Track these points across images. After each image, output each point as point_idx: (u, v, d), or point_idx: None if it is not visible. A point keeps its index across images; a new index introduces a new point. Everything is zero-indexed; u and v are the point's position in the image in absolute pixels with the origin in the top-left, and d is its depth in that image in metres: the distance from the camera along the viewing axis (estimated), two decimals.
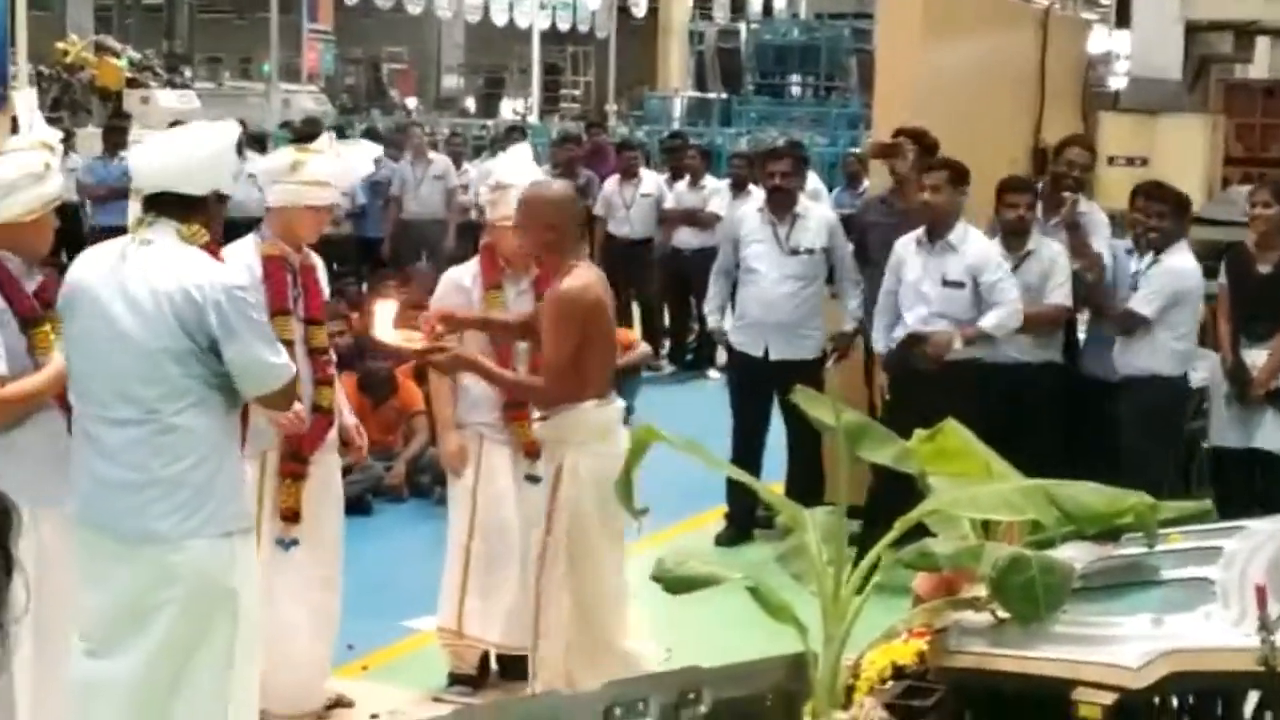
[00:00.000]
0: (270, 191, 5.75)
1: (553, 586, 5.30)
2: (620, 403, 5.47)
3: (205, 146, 4.53)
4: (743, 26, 33.08)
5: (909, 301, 7.67)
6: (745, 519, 8.40)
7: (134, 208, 4.58)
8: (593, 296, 5.30)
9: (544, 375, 5.31)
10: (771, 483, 8.59)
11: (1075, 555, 4.21)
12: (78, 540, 4.46)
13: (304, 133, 13.57)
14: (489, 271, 6.13)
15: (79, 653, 4.47)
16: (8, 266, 4.77)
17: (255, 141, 16.68)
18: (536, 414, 5.56)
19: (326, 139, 5.94)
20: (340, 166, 5.73)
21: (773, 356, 8.32)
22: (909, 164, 8.16)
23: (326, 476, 5.80)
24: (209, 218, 4.48)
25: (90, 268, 4.46)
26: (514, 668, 6.11)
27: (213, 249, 4.50)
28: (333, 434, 5.80)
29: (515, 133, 17.53)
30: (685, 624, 6.59)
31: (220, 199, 4.54)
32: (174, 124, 15.06)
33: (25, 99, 5.87)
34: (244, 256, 5.51)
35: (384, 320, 5.42)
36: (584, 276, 5.32)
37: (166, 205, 4.41)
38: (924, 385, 7.37)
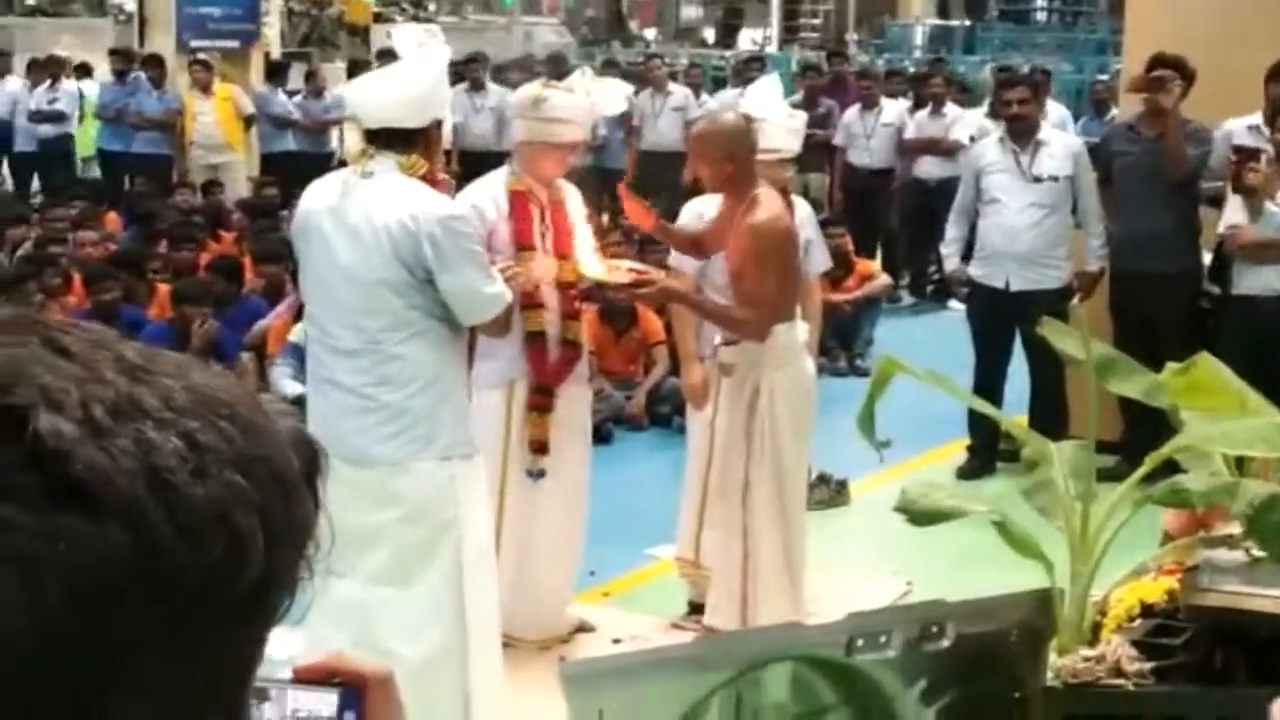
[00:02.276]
0: (515, 126, 5.81)
1: (759, 508, 5.37)
2: (803, 324, 5.49)
3: (420, 79, 4.58)
4: None
5: None
6: (988, 452, 8.29)
7: (351, 139, 4.71)
8: (784, 225, 5.38)
9: (751, 307, 5.31)
10: (1013, 415, 8.50)
11: None
12: None
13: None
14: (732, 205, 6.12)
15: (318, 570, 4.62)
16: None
17: (498, 73, 16.87)
18: (718, 339, 5.58)
19: (578, 76, 5.96)
20: (584, 104, 5.73)
21: (1014, 287, 8.15)
22: (1173, 98, 7.83)
23: (573, 409, 5.86)
24: (429, 148, 4.55)
25: (315, 199, 4.59)
26: None
27: (432, 177, 4.59)
28: (581, 366, 5.86)
29: (755, 63, 17.41)
30: (927, 557, 6.56)
31: (438, 126, 4.61)
32: (382, 53, 15.41)
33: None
34: (491, 190, 5.60)
35: (588, 253, 5.47)
36: (772, 207, 5.37)
37: (387, 138, 4.49)
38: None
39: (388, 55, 15.98)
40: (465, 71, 14.74)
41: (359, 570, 4.48)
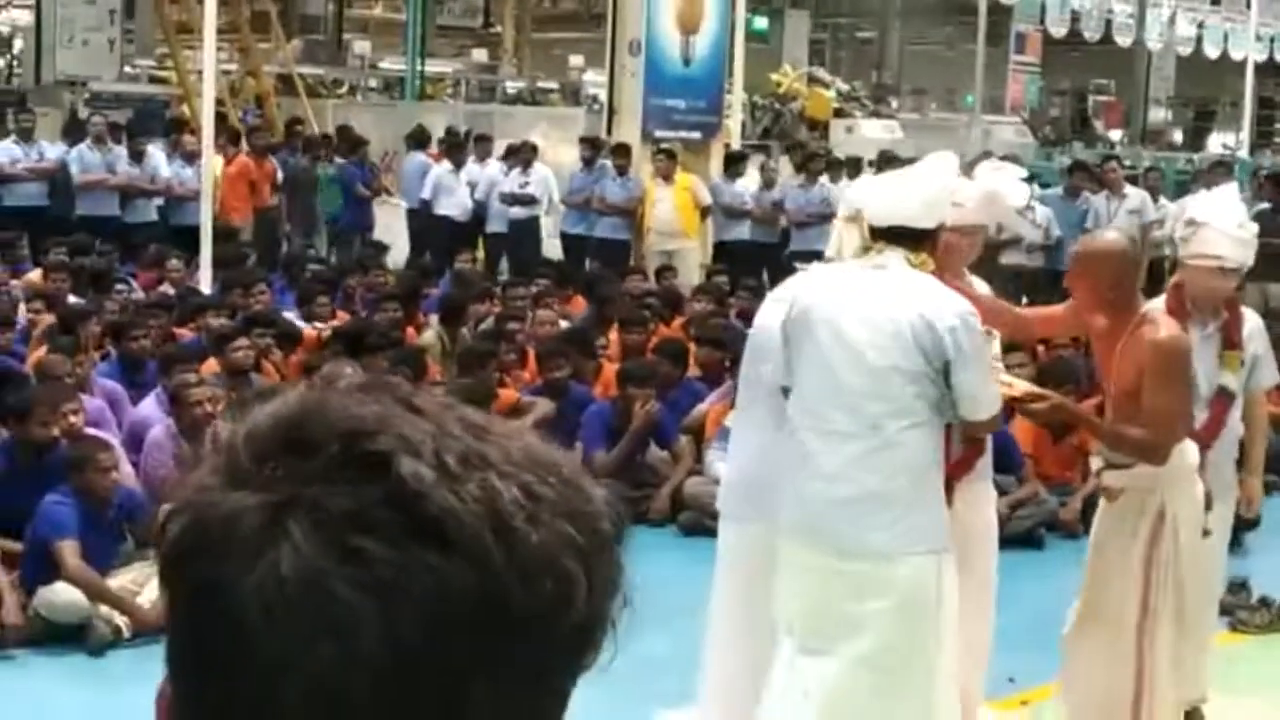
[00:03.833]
0: None
1: (1161, 642, 5.17)
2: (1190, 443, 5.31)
3: (935, 182, 4.82)
4: None
5: None
6: None
7: (846, 234, 4.94)
8: (1187, 344, 5.26)
9: (1153, 427, 5.11)
10: None
11: None
12: (785, 548, 4.70)
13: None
14: (1175, 312, 5.94)
15: (790, 646, 4.70)
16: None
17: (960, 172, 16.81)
18: (1098, 461, 5.37)
19: (984, 165, 5.91)
20: (977, 188, 5.61)
21: None
22: None
23: (976, 504, 5.76)
24: (935, 248, 4.74)
25: (822, 289, 4.76)
26: None
27: (937, 275, 4.72)
28: (983, 463, 5.73)
29: (1220, 168, 16.89)
30: None
31: (943, 230, 4.80)
32: (883, 156, 15.51)
33: None
34: None
35: None
36: (1173, 325, 5.26)
37: (897, 236, 4.68)
38: None
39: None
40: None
41: (844, 653, 4.59)
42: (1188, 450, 5.24)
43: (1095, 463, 5.46)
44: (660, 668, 6.63)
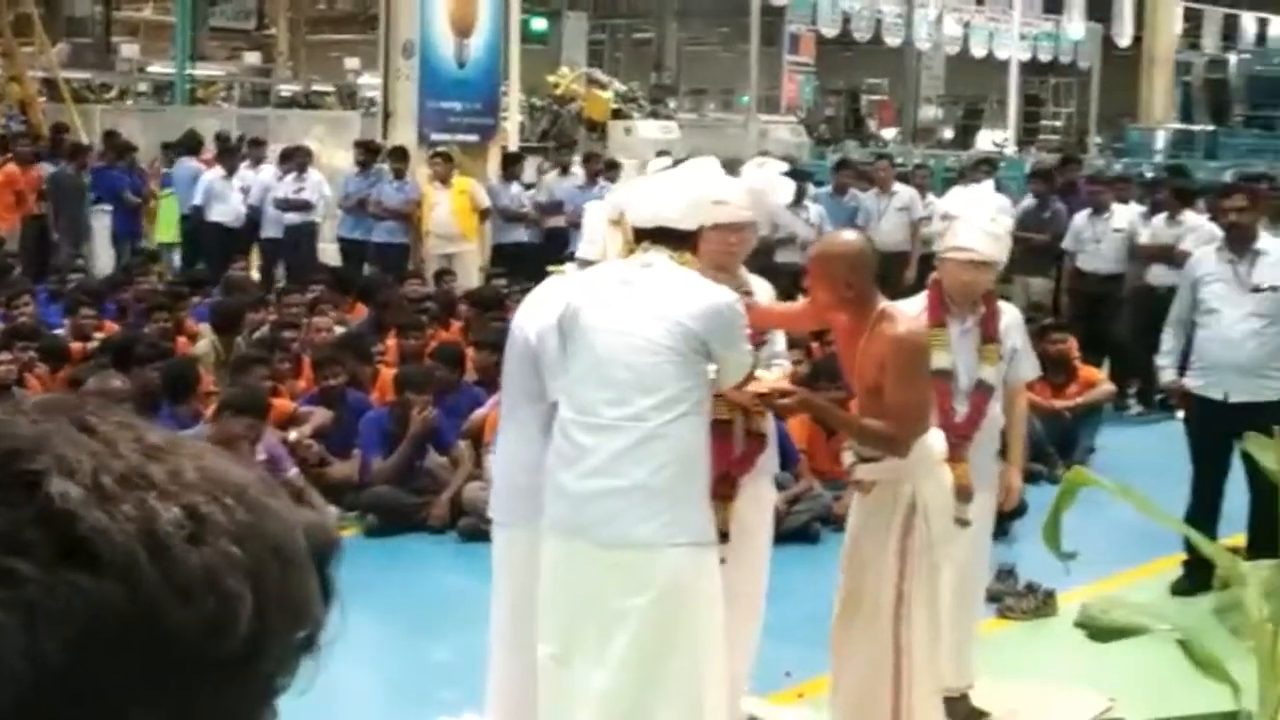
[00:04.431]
0: None
1: (918, 625, 5.31)
2: (937, 432, 5.46)
3: (693, 186, 4.98)
4: (1232, 56, 31.81)
5: None
6: (1204, 568, 8.07)
7: (611, 236, 5.10)
8: (924, 339, 5.44)
9: (897, 420, 5.25)
10: (1237, 534, 8.28)
11: None
12: (547, 549, 4.73)
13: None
14: (934, 307, 6.09)
15: (547, 660, 4.74)
16: None
17: (732, 170, 17.03)
18: (849, 455, 5.50)
19: (751, 165, 5.98)
20: (741, 185, 5.69)
21: (1234, 399, 7.96)
22: None
23: (757, 501, 5.86)
24: (695, 249, 4.92)
25: (591, 289, 4.85)
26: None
27: (703, 273, 4.90)
28: (765, 459, 5.83)
29: (984, 165, 17.33)
30: (1135, 673, 6.41)
31: (704, 230, 4.98)
32: (660, 154, 15.68)
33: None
34: None
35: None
36: (910, 320, 5.44)
37: (660, 237, 4.84)
38: None
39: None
40: None
41: (605, 657, 4.62)
42: (933, 441, 5.37)
43: (847, 457, 5.56)
44: (442, 676, 6.63)
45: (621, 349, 4.66)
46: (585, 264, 5.29)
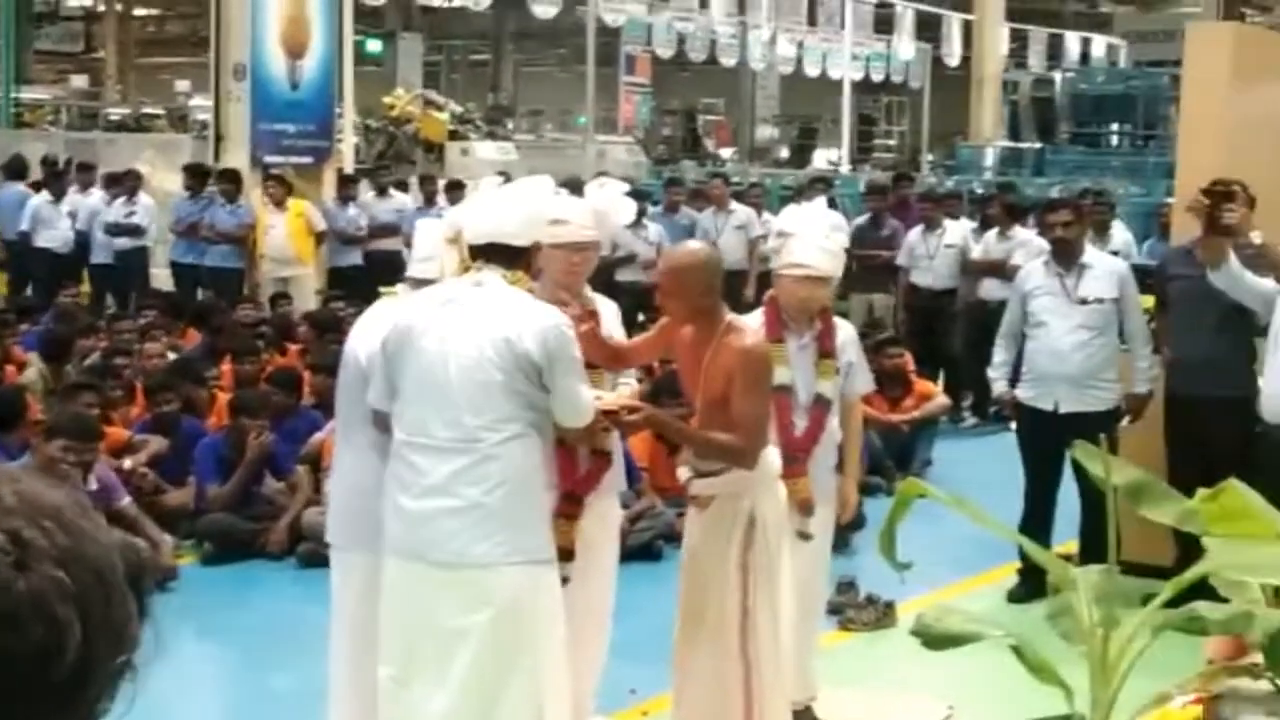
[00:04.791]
0: None
1: (763, 637, 5.36)
2: (773, 448, 5.54)
3: (527, 203, 4.94)
4: (1057, 75, 32.51)
5: None
6: (1037, 575, 8.22)
7: (448, 255, 5.04)
8: (770, 352, 5.54)
9: (743, 431, 5.30)
10: (1070, 541, 8.45)
11: None
12: (386, 570, 4.70)
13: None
14: (772, 323, 6.15)
15: (387, 681, 4.70)
16: None
17: (574, 190, 17.06)
18: (685, 471, 5.55)
19: (593, 185, 6.02)
20: (584, 204, 5.73)
21: (1063, 409, 8.15)
22: (1238, 215, 7.73)
23: (603, 519, 5.85)
24: (530, 266, 4.90)
25: (422, 308, 4.81)
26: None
27: (543, 293, 4.95)
28: (610, 477, 5.83)
29: (819, 184, 17.53)
30: (974, 682, 6.52)
31: (538, 248, 4.96)
32: (499, 173, 15.63)
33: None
34: None
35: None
36: (756, 331, 5.53)
37: (493, 254, 4.81)
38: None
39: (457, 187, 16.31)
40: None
41: (444, 678, 4.58)
42: (770, 456, 5.43)
43: (682, 472, 5.59)
44: (283, 704, 6.55)
45: (451, 369, 4.64)
46: (419, 283, 5.26)
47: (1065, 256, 8.33)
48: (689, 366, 5.47)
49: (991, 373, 8.83)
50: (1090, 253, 8.54)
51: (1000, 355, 8.67)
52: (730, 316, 5.43)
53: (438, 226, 5.36)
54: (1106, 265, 8.50)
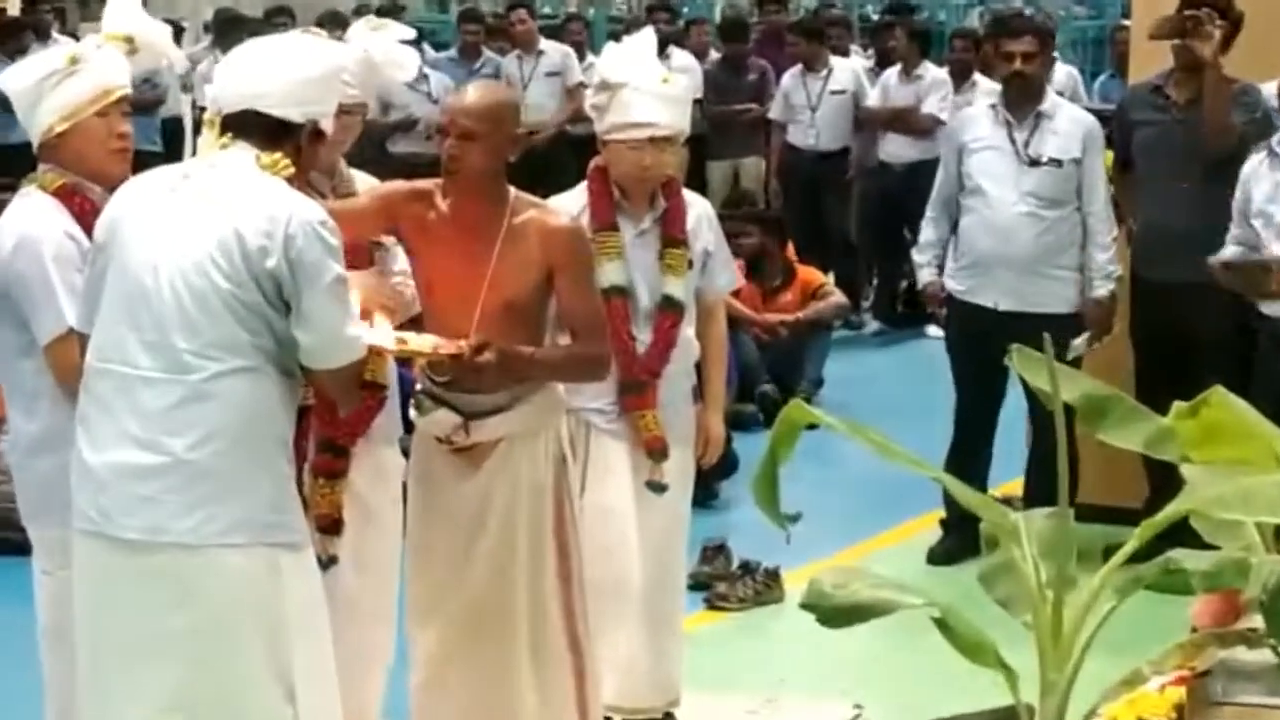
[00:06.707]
0: None
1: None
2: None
3: (306, 61, 4.79)
4: None
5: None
6: (966, 526, 8.33)
7: (208, 134, 4.94)
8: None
9: (598, 335, 5.46)
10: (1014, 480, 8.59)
11: None
12: (75, 552, 4.62)
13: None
14: (599, 204, 6.13)
15: (94, 684, 4.63)
16: (90, 197, 5.09)
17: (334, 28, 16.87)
18: (450, 418, 5.52)
19: (358, 26, 5.95)
20: (352, 56, 5.65)
21: (1004, 307, 8.17)
22: (1213, 45, 7.86)
23: (380, 476, 5.81)
24: (299, 153, 4.72)
25: (138, 194, 4.70)
26: None
27: (299, 186, 4.73)
28: (384, 419, 5.81)
29: (663, 12, 17.43)
30: (884, 668, 6.64)
31: (317, 134, 4.79)
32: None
33: None
34: None
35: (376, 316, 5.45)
36: (571, 214, 5.71)
37: (247, 127, 4.67)
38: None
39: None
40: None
41: (142, 695, 4.49)
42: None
43: (444, 419, 5.55)
44: None
45: (163, 274, 4.48)
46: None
47: (1022, 101, 8.30)
48: (456, 261, 5.42)
49: (916, 255, 8.82)
50: (1051, 98, 8.52)
51: (929, 231, 8.63)
52: (516, 192, 5.44)
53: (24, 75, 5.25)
54: (1070, 116, 8.48)
